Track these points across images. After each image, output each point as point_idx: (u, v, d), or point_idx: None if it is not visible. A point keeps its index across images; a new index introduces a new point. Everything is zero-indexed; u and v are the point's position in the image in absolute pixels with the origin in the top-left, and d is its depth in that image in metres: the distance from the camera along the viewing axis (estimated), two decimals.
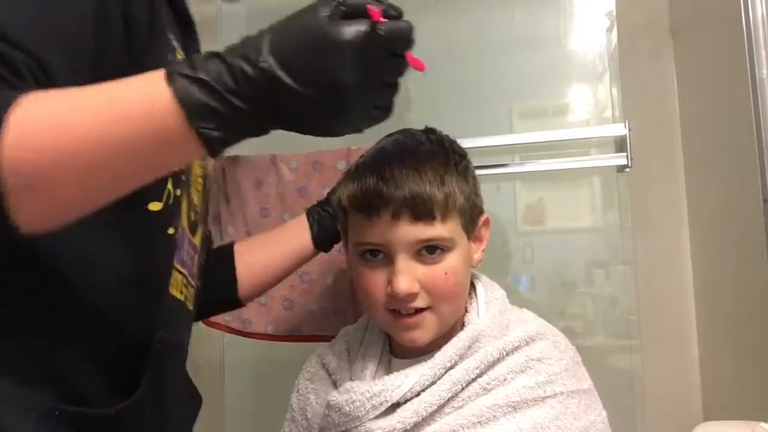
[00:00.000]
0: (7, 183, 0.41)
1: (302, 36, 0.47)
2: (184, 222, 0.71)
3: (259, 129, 0.50)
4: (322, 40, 0.47)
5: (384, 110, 0.54)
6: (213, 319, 1.33)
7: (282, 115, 0.49)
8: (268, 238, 0.99)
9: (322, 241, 0.96)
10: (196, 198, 0.76)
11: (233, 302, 0.95)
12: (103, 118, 0.43)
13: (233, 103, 0.45)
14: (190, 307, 0.76)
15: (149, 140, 0.44)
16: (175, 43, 0.67)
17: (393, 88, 0.53)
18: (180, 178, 0.67)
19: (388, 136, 0.84)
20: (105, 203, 0.47)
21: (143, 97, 0.44)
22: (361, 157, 0.82)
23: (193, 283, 0.76)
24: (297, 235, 0.96)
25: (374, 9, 0.47)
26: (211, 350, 1.56)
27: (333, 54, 0.47)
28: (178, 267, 0.70)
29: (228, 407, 1.53)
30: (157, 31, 0.60)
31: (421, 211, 0.72)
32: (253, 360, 1.55)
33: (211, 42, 1.66)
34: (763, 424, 0.81)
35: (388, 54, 0.49)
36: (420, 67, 0.51)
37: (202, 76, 0.45)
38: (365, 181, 0.75)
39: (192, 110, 0.44)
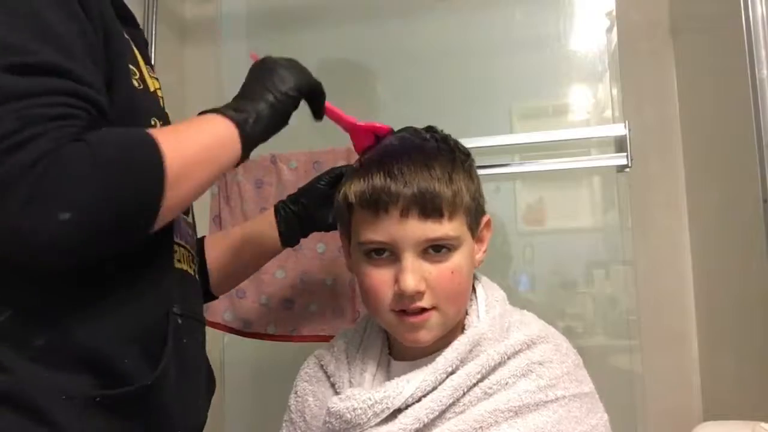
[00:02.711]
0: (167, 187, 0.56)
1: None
2: None
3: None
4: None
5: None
6: (213, 319, 1.33)
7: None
8: (235, 235, 1.00)
9: (289, 239, 0.99)
10: None
11: (206, 294, 0.96)
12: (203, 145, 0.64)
13: (270, 130, 0.71)
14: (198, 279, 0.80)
15: (230, 160, 0.66)
16: (126, 36, 0.71)
17: None
18: None
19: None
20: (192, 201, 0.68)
21: (224, 136, 0.66)
22: (364, 153, 0.82)
23: (195, 257, 0.80)
24: (265, 233, 0.98)
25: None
26: (211, 350, 1.54)
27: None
28: (180, 242, 0.73)
29: (228, 407, 1.53)
30: (116, 29, 0.66)
31: (430, 208, 0.71)
32: (253, 360, 1.55)
33: (211, 42, 1.67)
34: (763, 424, 0.81)
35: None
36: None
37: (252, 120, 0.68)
38: (372, 177, 0.73)
39: (247, 144, 0.67)
